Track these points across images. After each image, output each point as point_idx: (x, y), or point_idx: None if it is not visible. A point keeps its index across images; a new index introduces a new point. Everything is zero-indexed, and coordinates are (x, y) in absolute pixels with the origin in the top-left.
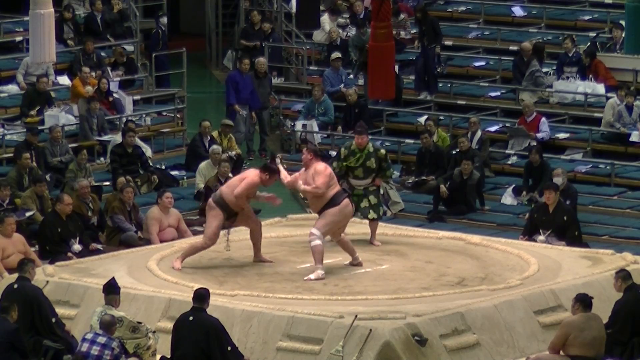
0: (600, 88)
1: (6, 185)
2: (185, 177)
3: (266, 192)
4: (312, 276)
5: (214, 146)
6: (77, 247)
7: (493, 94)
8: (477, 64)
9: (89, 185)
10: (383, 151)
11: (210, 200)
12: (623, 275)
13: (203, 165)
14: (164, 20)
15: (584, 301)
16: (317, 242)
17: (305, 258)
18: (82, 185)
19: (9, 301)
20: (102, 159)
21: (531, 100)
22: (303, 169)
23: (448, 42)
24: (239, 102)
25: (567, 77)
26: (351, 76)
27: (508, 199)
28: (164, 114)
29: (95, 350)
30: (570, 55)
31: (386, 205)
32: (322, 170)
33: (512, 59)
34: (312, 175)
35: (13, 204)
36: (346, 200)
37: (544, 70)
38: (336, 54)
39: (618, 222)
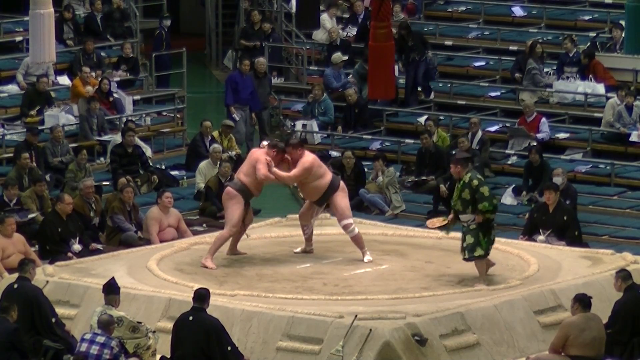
0: (600, 88)
1: (13, 185)
2: (185, 177)
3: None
4: (369, 257)
5: (215, 145)
6: (77, 247)
7: (493, 94)
8: (477, 64)
9: (93, 185)
10: (475, 182)
11: (228, 188)
12: (623, 275)
13: (203, 164)
14: (167, 22)
15: (583, 301)
16: (357, 229)
17: (305, 258)
18: (87, 185)
19: (9, 301)
20: (102, 159)
21: (531, 100)
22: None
23: (448, 42)
24: (238, 102)
25: (567, 77)
26: (350, 78)
27: (508, 199)
28: (164, 114)
29: (94, 350)
30: (570, 55)
31: (388, 207)
32: (304, 162)
33: (515, 59)
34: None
35: (19, 204)
36: (341, 180)
37: (545, 70)
38: (338, 55)
39: (618, 222)
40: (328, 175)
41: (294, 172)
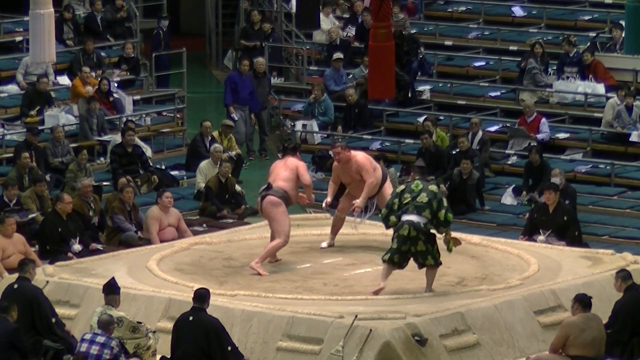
0: (600, 88)
1: (13, 185)
2: (185, 177)
3: None
4: None
5: (215, 145)
6: (77, 247)
7: (493, 94)
8: (477, 64)
9: (91, 184)
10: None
11: (272, 197)
12: (623, 275)
13: (204, 164)
14: (165, 22)
15: (583, 301)
16: None
17: (305, 258)
18: (85, 184)
19: (9, 301)
20: (102, 159)
21: (531, 100)
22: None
23: (448, 42)
24: (237, 102)
25: (567, 77)
26: (350, 76)
27: (508, 199)
28: (164, 114)
29: (94, 350)
30: (570, 55)
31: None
32: (365, 162)
33: (519, 59)
34: (357, 170)
35: (19, 205)
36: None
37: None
38: (338, 55)
39: (618, 222)
40: (379, 167)
41: (368, 179)
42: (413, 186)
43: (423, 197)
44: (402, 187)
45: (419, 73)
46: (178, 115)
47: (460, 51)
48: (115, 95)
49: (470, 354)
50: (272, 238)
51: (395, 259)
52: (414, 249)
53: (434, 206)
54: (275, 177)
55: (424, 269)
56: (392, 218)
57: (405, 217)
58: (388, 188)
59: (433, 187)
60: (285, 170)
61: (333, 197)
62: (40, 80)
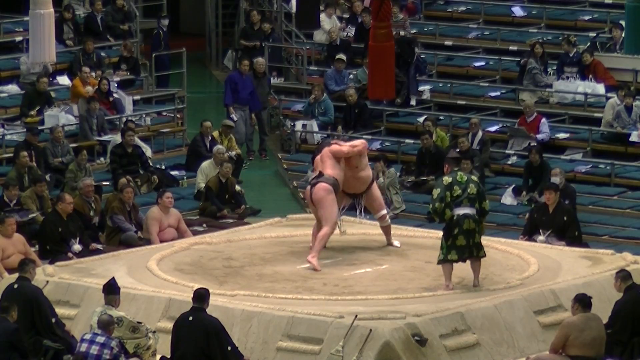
0: (600, 88)
1: (14, 185)
2: (185, 177)
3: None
4: (398, 243)
5: (218, 146)
6: (77, 247)
7: (493, 94)
8: (477, 64)
9: (93, 184)
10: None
11: (323, 184)
12: (623, 275)
13: (205, 164)
14: (165, 21)
15: (583, 301)
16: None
17: (305, 258)
18: (86, 184)
19: (9, 301)
20: (102, 159)
21: (531, 100)
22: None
23: (448, 42)
24: (237, 102)
25: (567, 77)
26: (351, 76)
27: (508, 199)
28: (164, 114)
29: (94, 350)
30: (570, 55)
31: (388, 208)
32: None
33: (518, 59)
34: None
35: (19, 205)
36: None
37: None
38: (340, 55)
39: (618, 222)
40: (369, 167)
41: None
42: (458, 178)
43: (473, 189)
44: (449, 179)
45: (417, 75)
46: (178, 115)
47: (460, 51)
48: (115, 95)
49: (470, 354)
50: (316, 229)
51: (454, 257)
52: (472, 241)
53: (481, 196)
54: (324, 166)
55: (439, 266)
56: (448, 212)
57: (460, 211)
58: (375, 190)
59: (475, 177)
60: (327, 159)
61: None
62: (40, 80)
